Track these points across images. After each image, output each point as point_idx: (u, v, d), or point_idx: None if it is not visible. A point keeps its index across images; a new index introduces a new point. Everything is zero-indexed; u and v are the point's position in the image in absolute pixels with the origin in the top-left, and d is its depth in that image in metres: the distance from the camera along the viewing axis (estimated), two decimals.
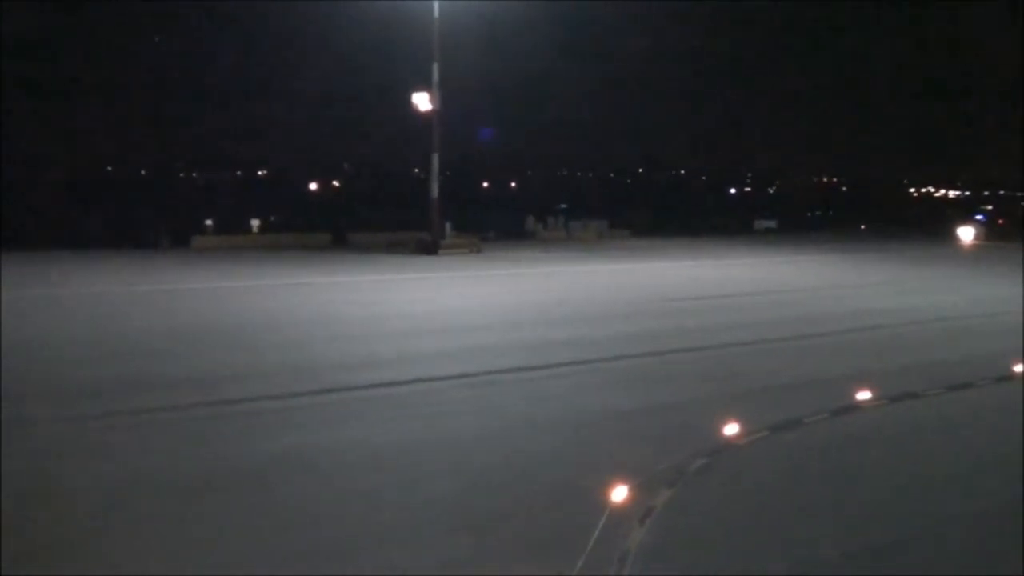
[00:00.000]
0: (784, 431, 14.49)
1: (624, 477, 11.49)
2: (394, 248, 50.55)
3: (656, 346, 22.02)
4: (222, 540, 9.96)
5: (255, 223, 60.31)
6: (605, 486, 11.19)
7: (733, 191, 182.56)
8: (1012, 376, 19.14)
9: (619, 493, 11.07)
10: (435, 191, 49.52)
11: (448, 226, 52.40)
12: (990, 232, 72.83)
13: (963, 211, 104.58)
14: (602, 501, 10.84)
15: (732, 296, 32.61)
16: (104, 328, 23.61)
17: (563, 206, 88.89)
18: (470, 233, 53.50)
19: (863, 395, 16.62)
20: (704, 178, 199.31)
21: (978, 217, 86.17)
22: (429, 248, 48.22)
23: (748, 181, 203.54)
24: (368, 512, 10.88)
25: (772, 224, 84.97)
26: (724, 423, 14.28)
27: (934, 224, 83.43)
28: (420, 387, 17.36)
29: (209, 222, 59.10)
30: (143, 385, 17.00)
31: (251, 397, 16.21)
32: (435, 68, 48.77)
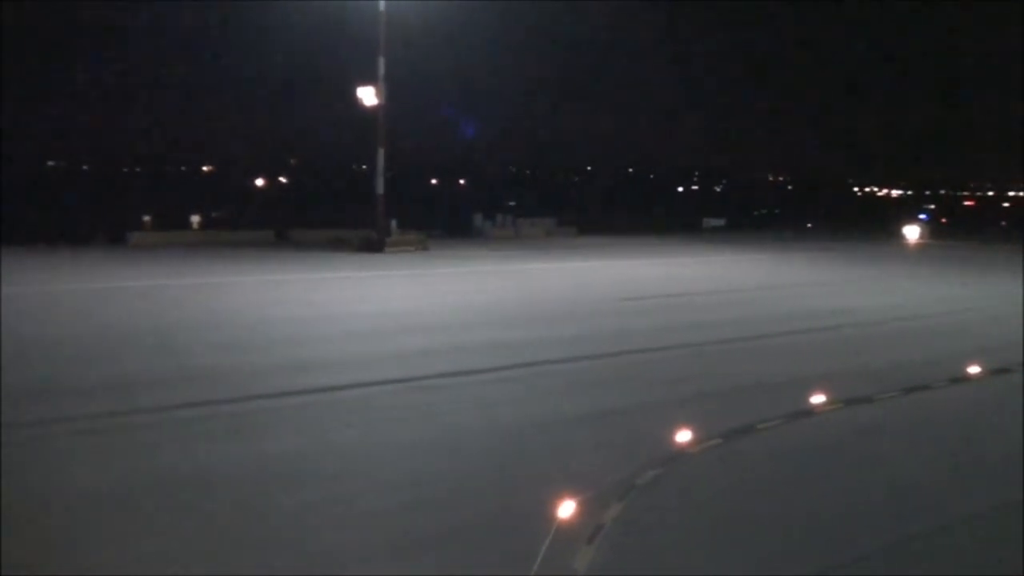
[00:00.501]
0: (737, 438, 13.94)
1: (573, 490, 10.85)
2: (338, 245, 49.41)
3: (607, 348, 21.38)
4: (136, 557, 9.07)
5: (195, 219, 58.64)
6: (553, 500, 10.55)
7: (681, 189, 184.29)
8: (967, 377, 18.88)
9: (567, 508, 10.41)
10: (380, 187, 48.53)
11: (394, 223, 51.39)
12: (934, 231, 73.99)
13: (907, 210, 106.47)
14: (549, 517, 10.17)
15: (683, 295, 32.20)
16: (20, 331, 22.26)
17: (511, 204, 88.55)
18: (417, 230, 52.50)
19: (818, 399, 16.18)
20: (652, 176, 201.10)
21: (922, 216, 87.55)
22: (374, 246, 47.18)
23: (696, 179, 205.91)
24: (298, 530, 10.02)
25: (720, 223, 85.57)
26: (676, 430, 13.73)
27: (880, 223, 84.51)
28: (360, 392, 16.50)
29: (147, 218, 57.25)
30: (57, 392, 15.87)
31: (172, 405, 15.15)
32: (381, 62, 47.86)
